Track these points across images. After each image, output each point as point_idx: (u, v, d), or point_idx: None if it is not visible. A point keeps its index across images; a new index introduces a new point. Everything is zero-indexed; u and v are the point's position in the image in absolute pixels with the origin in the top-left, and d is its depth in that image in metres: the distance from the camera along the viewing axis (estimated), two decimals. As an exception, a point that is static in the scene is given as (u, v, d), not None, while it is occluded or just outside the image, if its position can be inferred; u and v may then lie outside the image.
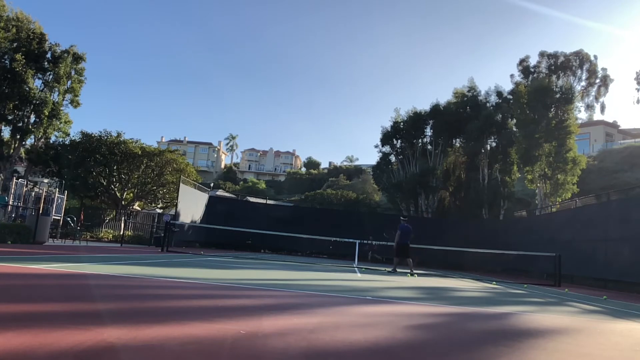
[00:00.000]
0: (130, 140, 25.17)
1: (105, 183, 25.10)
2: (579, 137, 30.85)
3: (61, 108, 25.50)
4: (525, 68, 28.11)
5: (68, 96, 26.00)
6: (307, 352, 2.33)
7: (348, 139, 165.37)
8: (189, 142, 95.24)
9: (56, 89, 25.17)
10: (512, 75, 29.19)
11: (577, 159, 23.55)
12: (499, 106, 30.05)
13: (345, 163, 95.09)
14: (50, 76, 25.07)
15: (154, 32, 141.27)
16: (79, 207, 24.87)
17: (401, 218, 14.60)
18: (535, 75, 27.22)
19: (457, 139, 32.23)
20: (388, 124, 33.94)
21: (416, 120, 32.59)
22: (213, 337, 2.51)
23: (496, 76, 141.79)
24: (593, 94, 28.51)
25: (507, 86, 38.18)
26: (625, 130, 62.46)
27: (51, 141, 26.56)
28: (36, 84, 24.74)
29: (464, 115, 30.71)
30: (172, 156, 26.44)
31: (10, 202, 15.53)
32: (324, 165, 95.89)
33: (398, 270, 13.43)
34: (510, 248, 17.92)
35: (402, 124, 33.09)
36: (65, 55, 25.28)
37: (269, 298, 4.83)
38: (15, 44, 23.66)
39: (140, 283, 5.28)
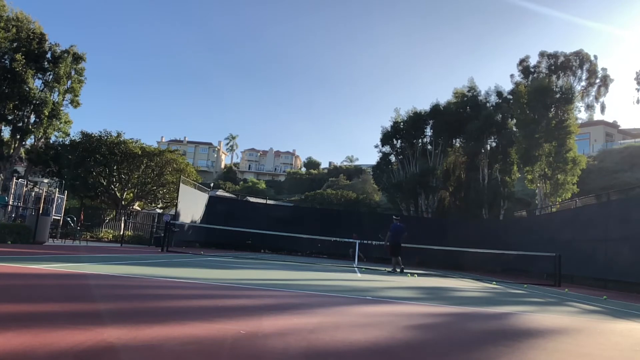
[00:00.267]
0: (130, 140, 25.18)
1: (105, 183, 25.10)
2: (579, 137, 30.85)
3: (61, 108, 25.51)
4: (525, 68, 28.12)
5: (68, 96, 26.01)
6: (307, 352, 2.33)
7: (348, 139, 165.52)
8: (189, 142, 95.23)
9: (56, 89, 25.17)
10: (512, 75, 29.24)
11: (577, 159, 23.55)
12: (499, 106, 30.06)
13: (345, 163, 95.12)
14: (50, 76, 25.07)
15: (154, 32, 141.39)
16: (79, 207, 24.87)
17: (394, 217, 14.72)
18: (535, 75, 27.22)
19: (457, 139, 32.23)
20: (388, 124, 33.99)
21: (416, 120, 32.59)
22: (213, 337, 2.51)
23: (496, 76, 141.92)
24: (593, 94, 28.52)
25: (507, 86, 38.24)
26: (625, 130, 62.47)
27: (51, 141, 26.56)
28: (36, 84, 24.78)
29: (464, 115, 30.72)
30: (172, 156, 26.44)
31: (10, 202, 15.53)
32: (324, 165, 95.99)
33: (397, 269, 13.47)
34: (510, 248, 17.91)
35: (402, 124, 33.09)
36: (65, 55, 25.28)
37: (269, 298, 4.83)
38: (15, 44, 23.66)
39: (140, 283, 5.28)
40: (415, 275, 12.94)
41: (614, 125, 60.76)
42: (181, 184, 20.26)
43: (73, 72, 26.04)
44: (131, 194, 26.02)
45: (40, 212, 14.21)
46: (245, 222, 21.35)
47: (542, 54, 27.69)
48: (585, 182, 27.74)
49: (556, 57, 27.27)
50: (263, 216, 25.06)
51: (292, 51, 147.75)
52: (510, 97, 28.68)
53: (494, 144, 30.05)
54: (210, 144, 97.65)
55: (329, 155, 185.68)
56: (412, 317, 4.21)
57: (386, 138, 33.57)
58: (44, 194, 16.78)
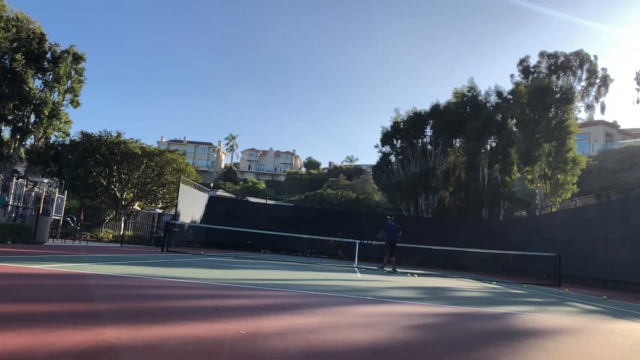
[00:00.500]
0: (130, 140, 25.17)
1: (105, 183, 25.10)
2: (579, 137, 30.86)
3: (61, 108, 25.51)
4: (525, 68, 28.12)
5: (68, 96, 26.01)
6: (307, 352, 2.33)
7: (348, 139, 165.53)
8: (189, 142, 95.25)
9: (56, 89, 25.17)
10: (512, 75, 29.24)
11: (577, 159, 23.54)
12: (499, 106, 30.05)
13: (345, 163, 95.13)
14: (50, 76, 25.07)
15: (154, 32, 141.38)
16: (79, 207, 24.87)
17: (388, 217, 14.84)
18: (535, 75, 27.22)
19: (457, 139, 32.23)
20: (388, 124, 33.97)
21: (416, 120, 32.59)
22: (213, 337, 2.51)
23: (496, 76, 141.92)
24: (593, 94, 28.52)
25: (507, 86, 38.21)
26: (625, 130, 62.48)
27: (51, 141, 26.56)
28: (36, 84, 24.78)
29: (464, 115, 30.72)
30: (172, 156, 26.43)
31: (10, 202, 15.53)
32: (324, 165, 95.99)
33: (387, 269, 13.54)
34: (510, 248, 17.92)
35: (402, 124, 33.09)
36: (65, 55, 25.29)
37: (269, 298, 4.83)
38: (15, 44, 23.66)
39: (140, 283, 5.28)
40: (415, 275, 12.95)
41: (614, 125, 60.77)
42: (181, 184, 20.26)
43: (73, 72, 26.04)
44: (131, 194, 26.02)
45: (40, 212, 14.20)
46: (245, 222, 21.35)
47: (542, 54, 27.70)
48: (585, 182, 27.75)
49: (556, 57, 27.27)
50: (263, 216, 25.05)
51: (292, 51, 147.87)
52: (510, 97, 28.68)
53: (494, 144, 30.05)
54: (210, 144, 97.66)
55: (329, 155, 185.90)
56: (412, 317, 4.21)
57: (386, 138, 33.57)
58: (44, 194, 16.78)
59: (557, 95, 24.22)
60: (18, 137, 24.61)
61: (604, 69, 28.18)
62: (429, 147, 32.39)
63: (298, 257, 20.71)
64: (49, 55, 25.12)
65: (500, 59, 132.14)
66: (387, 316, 4.08)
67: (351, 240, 18.22)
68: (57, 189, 19.16)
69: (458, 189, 31.38)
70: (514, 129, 27.76)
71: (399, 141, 33.57)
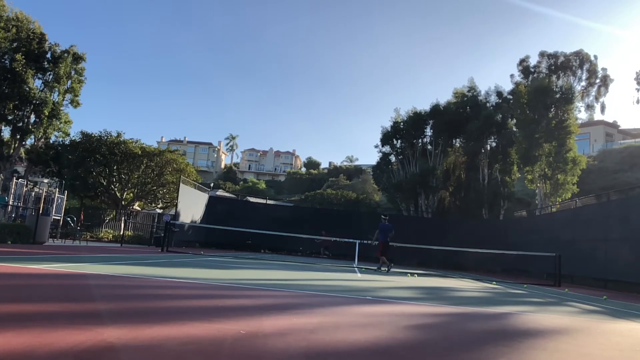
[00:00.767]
0: (130, 140, 25.17)
1: (105, 183, 25.10)
2: (579, 137, 30.87)
3: (61, 108, 25.52)
4: (525, 68, 28.12)
5: (68, 96, 26.02)
6: (307, 352, 2.33)
7: (348, 139, 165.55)
8: (189, 142, 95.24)
9: (56, 89, 25.18)
10: (512, 75, 29.25)
11: (577, 159, 23.55)
12: (499, 106, 30.05)
13: (345, 163, 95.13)
14: (50, 76, 25.08)
15: (154, 32, 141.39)
16: (79, 207, 24.87)
17: (382, 217, 14.88)
18: (535, 75, 27.23)
19: (457, 139, 32.23)
20: (388, 124, 33.97)
21: (416, 120, 32.58)
22: (213, 337, 2.51)
23: (496, 76, 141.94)
24: (593, 94, 28.53)
25: (507, 86, 38.26)
26: (625, 130, 62.47)
27: (51, 141, 26.56)
28: (36, 84, 24.79)
29: (464, 115, 30.71)
30: (172, 156, 26.43)
31: (10, 202, 15.53)
32: (324, 165, 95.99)
33: (384, 268, 13.61)
34: (510, 248, 17.92)
35: (402, 124, 33.08)
36: (65, 55, 25.29)
37: (269, 298, 4.83)
38: (15, 44, 23.67)
39: (140, 283, 5.28)
40: (415, 275, 12.95)
41: (614, 125, 60.76)
42: (181, 184, 20.26)
43: (73, 72, 26.05)
44: (131, 194, 26.02)
45: (40, 212, 14.20)
46: (245, 222, 21.35)
47: (542, 54, 27.70)
48: (585, 182, 27.75)
49: (556, 57, 27.27)
50: (263, 216, 25.04)
51: (292, 51, 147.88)
52: (510, 97, 28.69)
53: (494, 144, 30.05)
54: (210, 144, 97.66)
55: (329, 155, 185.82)
56: (412, 317, 4.21)
57: (386, 138, 33.57)
58: (44, 194, 16.78)
59: (557, 95, 24.22)
60: (18, 137, 24.61)
61: (604, 69, 28.22)
62: (429, 147, 32.38)
63: (298, 257, 20.71)
64: (49, 55, 25.13)
65: (500, 59, 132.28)
66: (387, 316, 4.08)
67: (351, 240, 18.21)
68: (57, 189, 19.17)
69: (458, 189, 31.38)
70: (514, 129, 27.76)
71: (399, 141, 33.57)
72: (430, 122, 32.62)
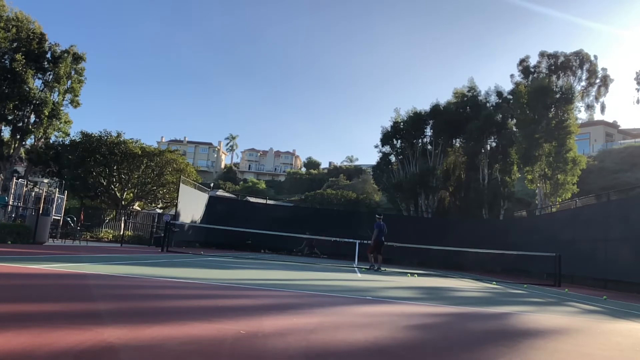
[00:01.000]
0: (130, 140, 25.17)
1: (105, 183, 25.09)
2: (579, 137, 30.86)
3: (61, 108, 25.51)
4: (525, 68, 28.14)
5: (68, 96, 26.01)
6: (307, 352, 2.33)
7: (348, 139, 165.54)
8: (189, 142, 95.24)
9: (56, 89, 25.18)
10: (512, 75, 29.28)
11: (577, 159, 23.54)
12: (499, 106, 30.06)
13: (345, 163, 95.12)
14: (50, 76, 25.07)
15: (154, 32, 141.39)
16: (79, 207, 24.87)
17: (377, 216, 14.93)
18: (535, 75, 27.24)
19: (457, 139, 32.23)
20: (388, 124, 33.98)
21: (416, 120, 32.59)
22: (213, 337, 2.51)
23: (496, 76, 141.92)
24: (593, 94, 28.55)
25: (507, 86, 38.27)
26: (625, 130, 62.47)
27: (51, 141, 26.56)
28: (36, 84, 24.78)
29: (464, 115, 30.72)
30: (172, 156, 26.43)
31: (10, 202, 15.54)
32: (324, 165, 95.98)
33: (375, 267, 13.70)
34: (510, 248, 17.91)
35: (402, 124, 33.09)
36: (65, 55, 25.28)
37: (269, 298, 4.83)
38: (15, 44, 23.67)
39: (140, 283, 5.28)
40: (415, 275, 12.95)
41: (614, 125, 60.76)
42: (181, 184, 20.25)
43: (73, 72, 26.04)
44: (131, 194, 26.01)
45: (40, 212, 14.20)
46: (245, 222, 21.34)
47: (542, 54, 27.72)
48: (585, 182, 27.75)
49: (556, 57, 27.29)
50: (263, 216, 25.05)
51: (292, 51, 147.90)
52: (510, 97, 28.69)
53: (494, 144, 30.05)
54: (210, 144, 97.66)
55: (329, 155, 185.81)
56: (412, 317, 4.21)
57: (386, 138, 33.57)
58: (44, 194, 16.78)
59: (557, 95, 24.22)
60: (18, 137, 24.61)
61: (604, 69, 28.24)
62: (429, 147, 32.39)
63: (298, 257, 20.71)
64: (49, 55, 25.12)
65: (500, 59, 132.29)
66: (387, 316, 4.08)
67: (351, 240, 18.22)
68: (57, 189, 19.18)
69: (458, 189, 31.38)
70: (514, 129, 27.76)
71: (399, 141, 33.57)
72: (430, 122, 32.63)
